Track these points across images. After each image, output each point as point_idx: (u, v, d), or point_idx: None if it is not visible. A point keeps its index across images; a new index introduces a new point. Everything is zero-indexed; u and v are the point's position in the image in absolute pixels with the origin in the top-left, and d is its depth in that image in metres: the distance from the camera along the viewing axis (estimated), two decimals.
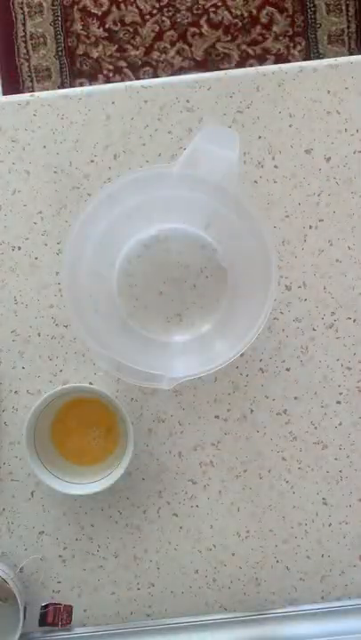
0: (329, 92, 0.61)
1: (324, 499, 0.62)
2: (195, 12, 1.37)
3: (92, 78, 1.40)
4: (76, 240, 0.51)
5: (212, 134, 0.49)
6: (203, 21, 1.37)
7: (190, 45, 1.37)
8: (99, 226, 0.53)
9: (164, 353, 0.61)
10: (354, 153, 0.61)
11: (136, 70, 1.39)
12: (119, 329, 0.60)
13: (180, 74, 1.26)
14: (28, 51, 1.41)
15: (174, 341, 0.61)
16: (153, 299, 0.62)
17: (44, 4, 1.39)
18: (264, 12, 1.37)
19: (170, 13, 1.37)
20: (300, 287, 0.62)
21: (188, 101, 0.61)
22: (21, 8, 1.40)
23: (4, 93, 1.41)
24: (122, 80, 1.39)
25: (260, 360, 0.62)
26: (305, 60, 1.36)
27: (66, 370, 0.62)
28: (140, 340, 0.61)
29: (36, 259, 0.62)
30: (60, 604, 0.62)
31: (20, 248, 0.62)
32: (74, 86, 1.38)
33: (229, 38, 1.37)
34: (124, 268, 0.61)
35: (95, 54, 1.39)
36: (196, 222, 0.59)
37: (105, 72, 1.40)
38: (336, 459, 0.62)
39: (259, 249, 0.50)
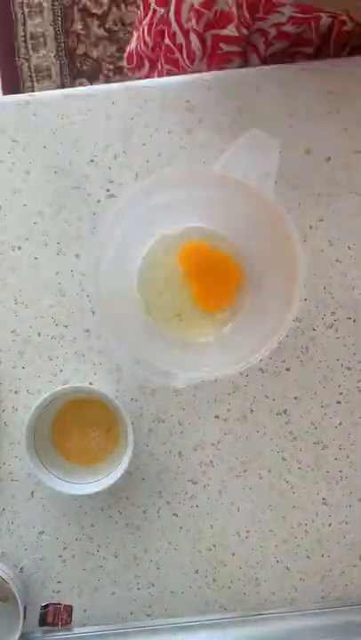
0: (329, 91, 0.61)
1: (324, 499, 0.62)
2: None
3: (93, 78, 1.40)
4: (106, 232, 0.51)
5: (254, 139, 0.50)
6: None
7: None
8: (127, 221, 0.53)
9: (183, 352, 0.60)
10: (354, 153, 0.61)
11: None
12: (139, 326, 0.59)
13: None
14: (28, 51, 1.41)
15: (195, 341, 0.60)
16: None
17: (44, 4, 1.39)
18: None
19: None
20: None
21: (188, 101, 0.61)
22: (21, 8, 1.40)
23: (4, 93, 1.41)
24: (122, 80, 1.39)
25: (260, 360, 0.62)
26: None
27: (66, 370, 0.62)
28: (157, 337, 0.60)
29: (36, 259, 0.62)
30: (60, 604, 0.62)
31: (20, 248, 0.62)
32: (74, 86, 1.38)
33: None
34: (147, 263, 0.60)
35: (95, 54, 1.39)
36: (221, 224, 0.59)
37: (105, 72, 1.40)
38: (336, 459, 0.62)
39: (284, 253, 0.50)
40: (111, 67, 1.39)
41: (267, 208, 0.51)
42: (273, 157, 0.49)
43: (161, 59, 0.70)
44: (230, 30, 0.60)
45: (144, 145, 0.62)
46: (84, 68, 1.39)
